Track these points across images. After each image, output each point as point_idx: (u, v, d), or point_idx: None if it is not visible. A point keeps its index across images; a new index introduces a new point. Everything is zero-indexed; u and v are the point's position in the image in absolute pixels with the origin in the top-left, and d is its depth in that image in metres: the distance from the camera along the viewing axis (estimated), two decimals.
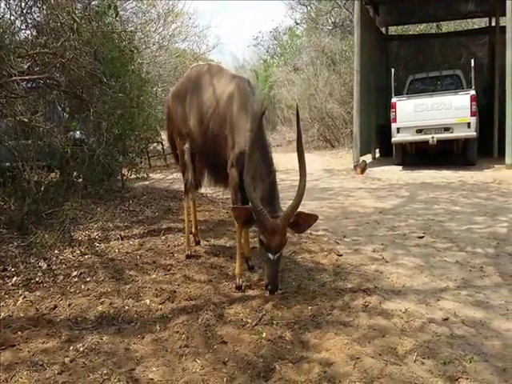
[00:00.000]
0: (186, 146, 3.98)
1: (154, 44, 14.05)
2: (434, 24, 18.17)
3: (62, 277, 3.60)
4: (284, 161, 11.56)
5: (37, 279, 3.53)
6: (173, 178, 8.67)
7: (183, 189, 4.28)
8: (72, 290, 3.36)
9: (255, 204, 2.98)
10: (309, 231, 4.90)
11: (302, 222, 3.14)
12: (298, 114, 3.57)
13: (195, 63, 4.43)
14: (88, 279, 3.56)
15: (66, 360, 2.44)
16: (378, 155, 13.18)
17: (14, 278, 3.54)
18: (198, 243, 4.42)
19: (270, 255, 3.03)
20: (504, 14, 10.18)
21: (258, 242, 3.15)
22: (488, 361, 2.43)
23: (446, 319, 2.90)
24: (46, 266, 3.80)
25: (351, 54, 13.82)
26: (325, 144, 17.03)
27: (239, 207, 3.28)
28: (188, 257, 4.03)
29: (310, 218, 3.18)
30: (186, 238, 4.16)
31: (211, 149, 3.65)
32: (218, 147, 3.53)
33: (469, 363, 2.39)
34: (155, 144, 10.80)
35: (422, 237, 4.73)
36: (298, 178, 3.07)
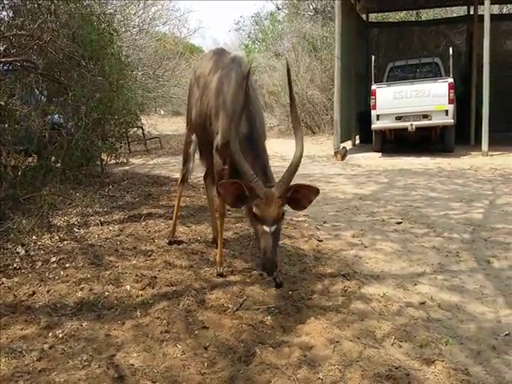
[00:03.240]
0: (193, 137, 3.89)
1: (133, 27, 13.76)
2: (414, 12, 18.28)
3: (40, 263, 3.55)
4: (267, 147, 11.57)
5: (14, 265, 3.47)
6: (153, 164, 8.62)
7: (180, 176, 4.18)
8: (51, 276, 3.31)
9: (245, 170, 2.72)
10: (289, 217, 4.96)
11: (301, 196, 2.87)
12: (289, 75, 3.10)
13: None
14: (67, 265, 3.52)
15: (45, 347, 2.41)
16: (358, 142, 13.28)
17: None
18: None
19: (266, 227, 2.69)
20: (482, 3, 10.29)
21: (251, 217, 2.83)
22: (463, 343, 2.50)
23: (423, 303, 2.97)
24: (23, 251, 3.74)
25: (332, 40, 13.81)
26: (306, 130, 17.04)
27: (226, 182, 2.89)
28: (170, 243, 4.01)
29: (310, 191, 2.90)
30: (173, 225, 4.12)
31: (209, 141, 3.48)
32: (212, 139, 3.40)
33: (445, 346, 2.46)
34: (135, 129, 10.66)
35: (400, 222, 4.81)
36: (295, 144, 2.90)
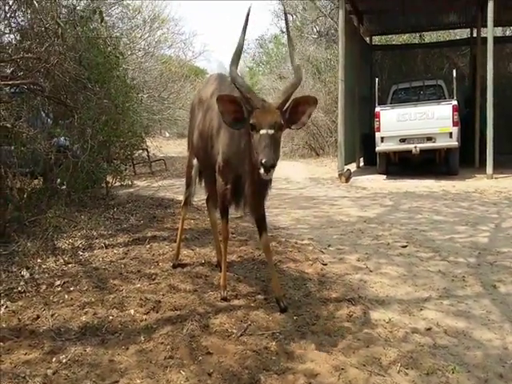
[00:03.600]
0: (195, 161, 3.93)
1: (139, 50, 14.04)
2: (417, 34, 18.51)
3: (44, 286, 3.55)
4: None
5: (19, 288, 3.47)
6: (158, 186, 8.65)
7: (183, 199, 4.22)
8: (55, 300, 3.31)
9: (241, 83, 2.76)
10: (294, 240, 4.95)
11: (300, 112, 2.86)
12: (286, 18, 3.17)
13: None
14: (71, 289, 3.52)
15: (49, 372, 2.40)
16: (362, 164, 13.30)
17: None
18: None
19: (263, 130, 2.67)
20: (485, 26, 10.41)
21: (248, 128, 2.78)
22: (470, 371, 2.47)
23: (429, 329, 2.94)
24: (28, 275, 3.75)
25: (336, 62, 13.97)
26: (310, 152, 17.13)
27: (226, 97, 2.83)
28: (174, 266, 4.01)
29: (308, 102, 2.87)
30: (177, 248, 4.13)
31: (209, 164, 3.49)
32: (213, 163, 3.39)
33: (451, 374, 2.43)
34: (140, 151, 10.75)
35: (406, 246, 4.79)
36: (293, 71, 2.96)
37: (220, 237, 3.79)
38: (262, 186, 3.00)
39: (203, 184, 4.10)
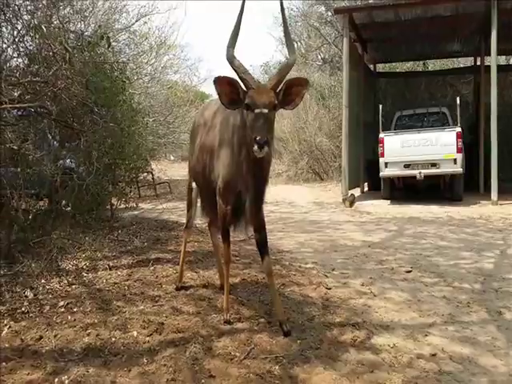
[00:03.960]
0: (194, 184, 4.00)
1: (145, 75, 14.25)
2: (421, 62, 18.74)
3: (48, 307, 3.54)
4: (273, 193, 11.65)
5: (23, 309, 3.47)
6: (162, 208, 8.68)
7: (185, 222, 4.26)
8: (58, 321, 3.30)
9: (238, 65, 2.85)
10: (298, 264, 4.94)
11: (294, 94, 2.94)
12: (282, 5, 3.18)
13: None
14: (75, 310, 3.51)
15: None
16: (366, 189, 13.33)
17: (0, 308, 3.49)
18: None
19: (258, 109, 2.75)
20: (489, 54, 10.55)
21: (243, 109, 2.86)
22: None
23: (434, 355, 2.91)
24: (32, 295, 3.75)
25: (340, 89, 14.12)
26: (314, 176, 17.19)
27: (223, 78, 2.87)
28: (178, 289, 4.00)
29: (301, 83, 2.96)
30: (180, 271, 4.14)
31: (208, 187, 3.54)
32: (213, 186, 3.43)
33: None
34: (145, 174, 10.83)
35: (410, 271, 4.77)
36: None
37: (222, 259, 3.80)
38: (258, 170, 3.01)
39: (202, 207, 4.08)
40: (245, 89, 2.87)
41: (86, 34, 7.32)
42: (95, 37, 6.41)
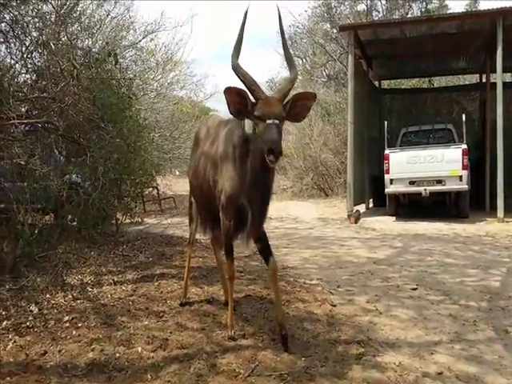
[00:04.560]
0: (193, 199, 4.04)
1: (152, 91, 14.39)
2: (427, 79, 18.84)
3: (53, 322, 3.55)
4: (278, 208, 11.66)
5: (27, 323, 3.47)
6: (167, 223, 8.70)
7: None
8: (63, 336, 3.31)
9: (248, 78, 2.88)
10: (302, 280, 4.93)
11: (300, 107, 3.01)
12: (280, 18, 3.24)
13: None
14: (79, 325, 3.51)
15: None
16: (371, 205, 13.30)
17: (4, 322, 3.48)
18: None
19: (268, 120, 2.78)
20: (494, 71, 10.60)
21: (252, 125, 2.91)
22: None
23: (440, 373, 2.88)
24: (37, 310, 3.76)
25: (345, 105, 14.22)
26: (319, 192, 17.20)
27: (232, 88, 2.89)
28: (182, 304, 4.00)
29: (308, 97, 3.06)
30: (184, 286, 4.14)
31: (208, 202, 3.57)
32: (214, 201, 3.44)
33: None
34: (150, 189, 10.89)
35: (416, 289, 4.73)
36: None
37: (226, 275, 3.80)
38: (264, 182, 3.04)
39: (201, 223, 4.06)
40: (253, 100, 2.91)
41: (94, 50, 7.44)
42: (102, 53, 6.52)
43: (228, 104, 2.93)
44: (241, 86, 2.94)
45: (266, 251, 3.35)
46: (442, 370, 2.91)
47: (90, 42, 9.20)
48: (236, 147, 3.19)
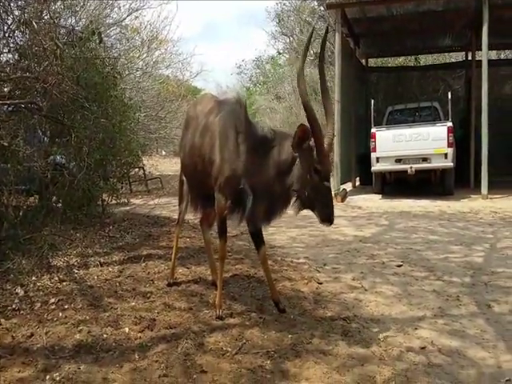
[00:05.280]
0: (184, 178, 3.98)
1: (137, 70, 14.15)
2: (413, 57, 18.80)
3: (39, 304, 3.53)
4: None
5: (13, 306, 3.45)
6: (154, 204, 8.66)
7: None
8: (49, 318, 3.29)
9: (315, 118, 2.87)
10: (289, 259, 4.97)
11: None
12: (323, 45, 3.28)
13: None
14: (66, 307, 3.50)
15: None
16: (358, 183, 13.37)
17: None
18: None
19: (327, 183, 2.88)
20: (480, 49, 10.61)
21: (306, 174, 2.90)
22: None
23: (424, 348, 2.94)
24: (22, 292, 3.73)
25: (332, 84, 14.12)
26: None
27: (306, 127, 2.87)
28: (169, 285, 4.00)
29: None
30: (172, 267, 4.13)
31: (202, 182, 3.54)
32: (208, 180, 3.43)
33: None
34: (137, 169, 10.78)
35: (401, 265, 4.80)
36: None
37: (216, 255, 3.81)
38: (281, 204, 3.14)
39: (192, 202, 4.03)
40: (312, 142, 2.89)
41: (77, 29, 7.26)
42: (86, 32, 6.38)
43: (295, 139, 2.91)
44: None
45: (257, 239, 3.44)
46: (426, 345, 2.97)
47: (74, 21, 8.98)
48: (240, 132, 3.20)
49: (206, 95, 4.16)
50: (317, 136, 2.87)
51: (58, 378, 2.49)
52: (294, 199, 3.05)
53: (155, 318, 3.28)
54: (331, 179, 10.69)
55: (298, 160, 2.95)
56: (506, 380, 2.54)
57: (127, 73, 12.46)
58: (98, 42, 6.37)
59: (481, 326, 3.27)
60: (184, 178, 4.00)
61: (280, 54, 23.95)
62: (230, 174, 3.22)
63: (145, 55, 14.58)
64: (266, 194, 3.09)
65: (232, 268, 4.55)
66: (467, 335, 3.13)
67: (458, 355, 2.85)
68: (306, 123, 2.91)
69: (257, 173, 3.11)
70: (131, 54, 13.64)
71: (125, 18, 13.09)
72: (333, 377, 2.54)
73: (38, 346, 2.87)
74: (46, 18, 6.13)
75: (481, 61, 10.44)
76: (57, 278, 4.11)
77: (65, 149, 6.07)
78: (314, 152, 2.89)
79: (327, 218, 2.88)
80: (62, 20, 7.51)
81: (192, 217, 5.79)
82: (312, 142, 2.89)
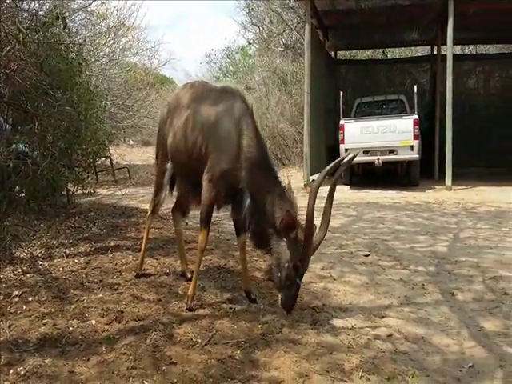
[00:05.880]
0: (168, 166, 3.79)
1: (103, 57, 13.81)
2: (381, 50, 19.03)
3: (1, 297, 3.42)
4: None
5: None
6: (121, 194, 8.51)
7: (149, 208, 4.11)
8: (13, 311, 3.20)
9: (311, 218, 3.00)
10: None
11: None
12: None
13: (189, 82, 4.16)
14: (30, 299, 3.40)
15: None
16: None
17: None
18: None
19: (299, 280, 3.00)
20: (445, 44, 10.82)
21: (286, 262, 3.00)
22: (429, 376, 2.53)
23: (390, 335, 3.00)
24: None
25: (302, 75, 14.15)
26: (276, 162, 17.23)
27: (292, 214, 3.06)
28: (138, 276, 3.94)
29: None
30: (141, 257, 4.04)
31: (195, 168, 3.44)
32: (202, 166, 3.36)
33: (411, 378, 2.48)
34: (103, 159, 10.56)
35: (368, 255, 4.88)
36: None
37: (186, 246, 3.78)
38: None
39: (174, 191, 4.00)
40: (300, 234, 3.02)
41: (41, 13, 7.00)
42: (50, 17, 6.15)
43: (286, 225, 3.02)
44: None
45: (240, 226, 3.45)
46: (392, 332, 3.04)
47: (37, 5, 8.62)
48: (245, 133, 3.24)
49: (198, 82, 4.06)
50: (307, 240, 2.97)
51: (22, 372, 2.43)
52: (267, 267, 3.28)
53: (123, 310, 3.23)
54: (303, 171, 10.80)
55: (284, 244, 3.05)
56: (469, 366, 2.62)
57: (93, 60, 12.14)
58: (62, 27, 6.16)
59: (445, 314, 3.36)
60: (168, 166, 3.80)
61: (250, 44, 23.80)
62: (226, 168, 3.21)
63: (111, 42, 14.23)
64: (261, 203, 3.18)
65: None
66: (432, 323, 3.22)
67: (423, 342, 2.93)
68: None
69: (256, 184, 3.19)
70: (97, 41, 13.29)
71: (90, 4, 12.72)
72: (302, 365, 2.57)
73: (1, 339, 2.79)
74: (7, 1, 5.91)
75: (446, 55, 10.66)
76: (20, 270, 3.99)
77: (28, 137, 5.88)
78: (301, 247, 2.97)
79: (287, 308, 3.02)
80: (24, 4, 7.24)
81: (162, 208, 5.72)
82: (301, 236, 3.00)
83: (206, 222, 3.40)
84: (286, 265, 2.99)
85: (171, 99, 3.91)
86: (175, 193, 4.05)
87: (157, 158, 4.04)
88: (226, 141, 3.26)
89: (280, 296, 3.04)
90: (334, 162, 3.29)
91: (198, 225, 5.60)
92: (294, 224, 3.01)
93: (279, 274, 3.03)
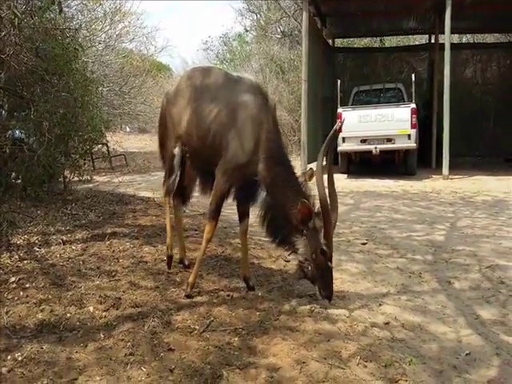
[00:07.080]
0: (176, 150, 3.70)
1: (99, 43, 13.64)
2: (378, 38, 18.91)
3: None
4: None
5: None
6: (118, 182, 8.48)
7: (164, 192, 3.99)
8: (10, 297, 3.20)
9: (324, 198, 3.03)
10: (257, 237, 4.97)
11: None
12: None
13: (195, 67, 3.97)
14: (27, 286, 3.40)
15: (4, 370, 2.32)
16: (325, 163, 13.45)
17: None
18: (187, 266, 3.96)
19: (331, 264, 3.07)
20: (443, 32, 10.76)
21: (312, 252, 3.06)
22: (426, 363, 2.55)
23: (387, 323, 3.01)
24: None
25: (299, 63, 14.09)
26: None
27: (307, 203, 3.05)
28: (170, 257, 3.85)
29: None
30: (169, 240, 3.86)
31: (208, 156, 3.42)
32: (216, 155, 3.33)
33: (408, 365, 2.50)
34: (100, 146, 10.49)
35: (365, 243, 4.89)
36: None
37: (183, 233, 3.75)
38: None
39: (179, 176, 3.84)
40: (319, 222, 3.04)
41: None
42: (46, 1, 6.07)
43: (302, 215, 3.05)
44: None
45: (244, 212, 3.54)
46: (389, 320, 3.05)
47: None
48: (267, 129, 3.25)
49: (213, 68, 3.96)
50: (327, 221, 3.00)
51: (20, 358, 2.43)
52: (296, 267, 3.30)
53: (120, 297, 3.23)
54: (300, 160, 10.79)
55: (304, 237, 3.11)
56: (466, 353, 2.64)
57: (89, 45, 11.98)
58: (58, 11, 6.08)
59: (442, 302, 3.37)
60: (176, 151, 3.71)
61: (247, 31, 23.59)
62: (243, 161, 3.22)
63: (107, 28, 14.04)
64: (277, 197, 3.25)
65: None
66: (429, 311, 3.23)
67: (420, 330, 2.94)
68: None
69: (272, 178, 3.23)
70: (93, 26, 13.11)
71: None
72: (300, 352, 2.58)
73: None
74: None
75: (443, 44, 10.60)
76: (17, 257, 3.99)
77: (24, 123, 5.81)
78: (322, 233, 3.02)
79: (327, 296, 3.07)
80: None
81: (158, 195, 5.71)
82: (319, 223, 3.04)
83: (216, 213, 3.38)
84: (314, 255, 3.04)
85: (184, 81, 3.75)
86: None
87: (162, 141, 3.96)
88: (244, 133, 3.24)
89: (317, 287, 3.12)
90: (325, 143, 3.59)
91: (195, 212, 5.66)
92: (310, 213, 3.03)
93: (310, 267, 3.09)
